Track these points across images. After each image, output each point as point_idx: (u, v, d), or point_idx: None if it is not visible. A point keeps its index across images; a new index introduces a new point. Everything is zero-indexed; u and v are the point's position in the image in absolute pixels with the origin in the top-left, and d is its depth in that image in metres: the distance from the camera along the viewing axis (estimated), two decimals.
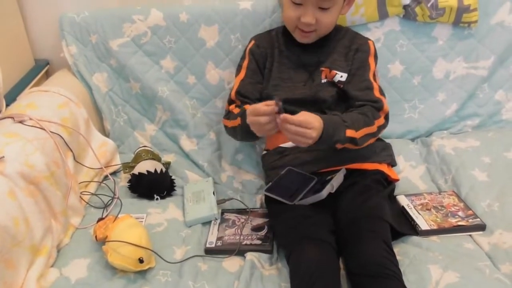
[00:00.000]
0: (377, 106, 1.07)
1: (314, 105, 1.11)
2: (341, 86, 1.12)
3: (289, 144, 1.14)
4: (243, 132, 1.05)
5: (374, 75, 1.13)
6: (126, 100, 1.33)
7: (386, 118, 1.08)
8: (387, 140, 1.24)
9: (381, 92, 1.11)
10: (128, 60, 1.28)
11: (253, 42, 1.19)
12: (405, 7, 1.27)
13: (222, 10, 1.28)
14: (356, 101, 1.08)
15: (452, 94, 1.36)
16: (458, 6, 1.25)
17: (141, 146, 1.27)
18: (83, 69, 1.29)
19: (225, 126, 1.15)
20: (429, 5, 1.25)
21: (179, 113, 1.31)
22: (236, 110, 1.11)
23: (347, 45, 1.14)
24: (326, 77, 1.13)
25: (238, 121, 1.07)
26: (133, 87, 1.31)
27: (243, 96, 1.14)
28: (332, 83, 1.13)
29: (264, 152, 1.23)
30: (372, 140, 1.06)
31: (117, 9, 1.29)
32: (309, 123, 0.91)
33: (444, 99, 1.37)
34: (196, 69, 1.32)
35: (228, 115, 1.14)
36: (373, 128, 1.03)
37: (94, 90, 1.29)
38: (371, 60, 1.14)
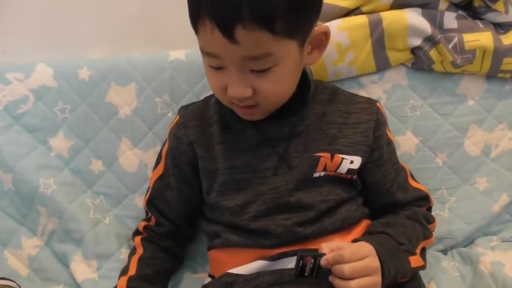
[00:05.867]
0: (425, 204, 0.78)
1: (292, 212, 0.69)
2: (352, 177, 0.72)
3: (244, 270, 0.69)
4: None
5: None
6: None
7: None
8: None
9: (412, 176, 0.80)
10: None
11: (177, 117, 0.76)
12: (414, 50, 0.85)
13: (142, 62, 0.87)
14: (401, 208, 0.76)
15: (498, 179, 0.90)
16: (495, 47, 0.83)
17: None
18: None
19: None
20: (450, 46, 0.83)
21: (71, 219, 0.83)
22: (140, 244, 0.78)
23: (342, 109, 0.75)
24: (325, 168, 0.69)
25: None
26: (5, 181, 0.85)
27: (158, 209, 0.77)
28: (334, 179, 0.70)
29: (207, 280, 0.75)
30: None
31: None
32: (360, 251, 0.61)
33: (486, 186, 0.90)
34: (103, 150, 0.87)
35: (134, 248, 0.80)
36: (430, 241, 0.76)
37: None
38: (388, 131, 0.79)
